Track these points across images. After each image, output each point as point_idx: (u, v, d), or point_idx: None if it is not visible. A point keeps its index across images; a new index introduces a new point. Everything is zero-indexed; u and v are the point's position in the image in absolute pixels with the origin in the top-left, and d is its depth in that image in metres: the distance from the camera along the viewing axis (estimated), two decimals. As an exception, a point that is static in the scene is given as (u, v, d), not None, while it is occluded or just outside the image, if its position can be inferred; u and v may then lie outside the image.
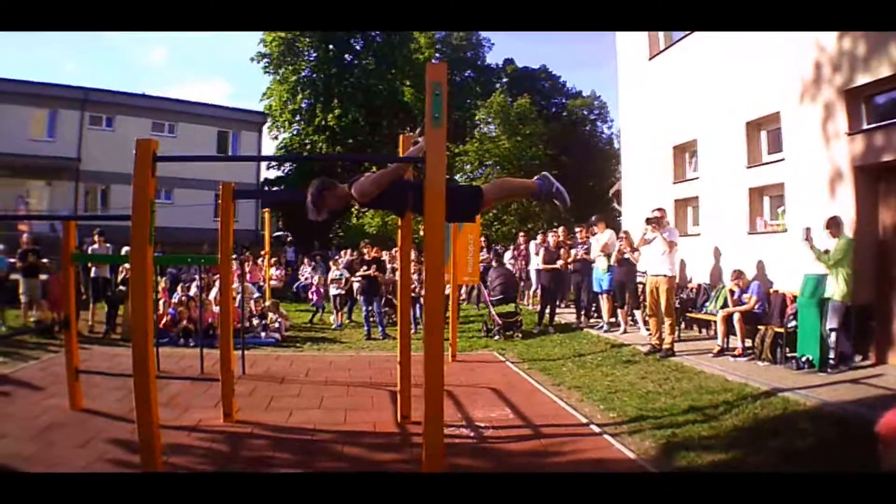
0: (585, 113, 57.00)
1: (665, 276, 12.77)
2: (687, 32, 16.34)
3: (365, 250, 17.51)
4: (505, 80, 57.88)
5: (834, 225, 10.83)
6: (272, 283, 22.59)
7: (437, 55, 53.82)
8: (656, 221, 13.01)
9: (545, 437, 7.88)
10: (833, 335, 10.46)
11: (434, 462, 5.27)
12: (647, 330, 14.21)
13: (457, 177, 46.87)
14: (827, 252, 10.77)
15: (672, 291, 12.95)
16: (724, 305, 13.01)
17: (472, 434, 8.04)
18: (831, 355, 10.46)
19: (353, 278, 18.40)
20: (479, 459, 7.12)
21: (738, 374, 10.51)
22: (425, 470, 5.33)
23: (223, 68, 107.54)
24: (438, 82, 5.16)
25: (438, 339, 5.38)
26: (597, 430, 8.12)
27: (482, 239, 21.91)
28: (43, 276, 15.99)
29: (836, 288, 10.57)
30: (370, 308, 16.76)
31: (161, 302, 15.60)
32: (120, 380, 8.92)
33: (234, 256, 15.20)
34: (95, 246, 16.90)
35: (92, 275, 16.60)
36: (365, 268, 16.85)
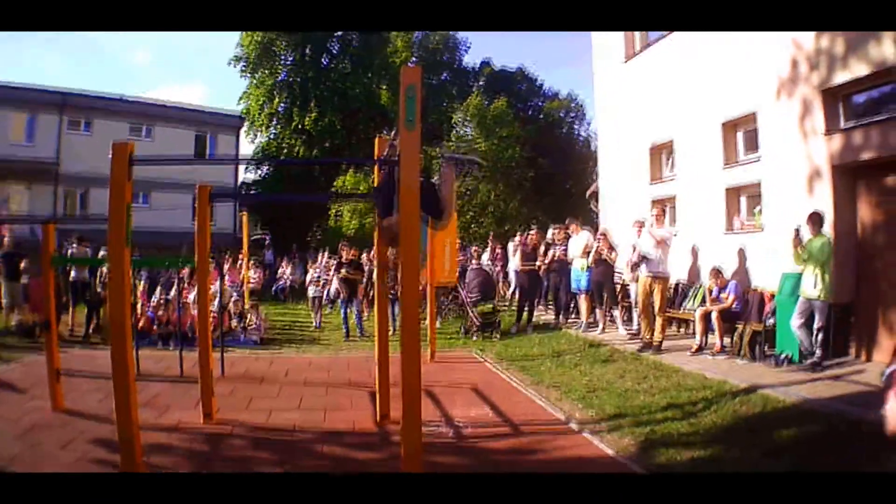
0: (562, 115, 56.88)
1: (658, 275, 13.01)
2: (662, 34, 16.43)
3: (343, 252, 17.45)
4: (481, 81, 57.69)
5: (815, 221, 10.75)
6: (251, 284, 22.53)
7: (414, 58, 53.63)
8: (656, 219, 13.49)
9: (525, 436, 7.94)
10: (822, 334, 10.47)
11: (412, 460, 5.30)
12: (627, 329, 14.56)
13: (434, 179, 46.70)
14: (808, 252, 10.69)
15: (665, 290, 13.13)
16: (703, 303, 13.09)
17: (451, 433, 8.08)
18: (818, 353, 10.48)
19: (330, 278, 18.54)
20: (458, 457, 7.16)
21: (716, 371, 10.57)
22: (404, 468, 5.36)
23: (201, 70, 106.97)
24: (412, 85, 5.19)
25: (415, 339, 5.41)
26: (576, 428, 8.18)
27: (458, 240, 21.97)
28: (24, 280, 15.92)
29: (820, 287, 10.48)
30: (349, 309, 16.74)
31: (139, 304, 15.59)
32: (101, 381, 8.94)
33: (211, 258, 15.21)
34: (74, 249, 16.85)
35: (71, 277, 16.52)
36: (345, 269, 16.79)
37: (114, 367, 5.84)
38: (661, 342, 12.82)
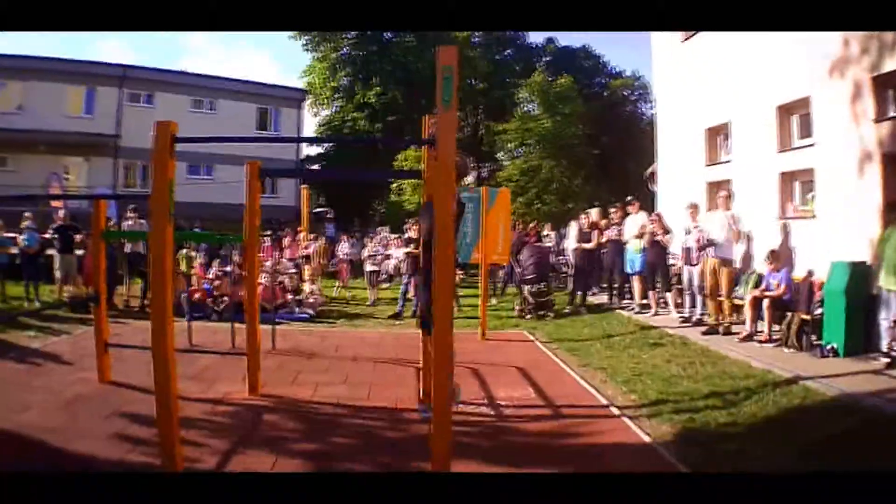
0: (626, 93, 56.23)
1: (725, 259, 13.00)
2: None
3: (412, 229, 17.54)
4: (546, 59, 57.25)
5: None
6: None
7: (478, 34, 53.36)
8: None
9: (564, 418, 7.97)
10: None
11: (440, 441, 5.30)
12: (679, 312, 14.57)
13: (498, 155, 46.86)
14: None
15: (731, 274, 13.06)
16: (756, 289, 12.93)
17: (491, 413, 8.12)
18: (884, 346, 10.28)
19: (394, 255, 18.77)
20: (493, 439, 7.19)
21: (762, 360, 10.48)
22: (433, 447, 5.38)
23: (264, 43, 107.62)
24: (449, 66, 5.18)
25: (447, 322, 5.38)
26: (616, 412, 8.17)
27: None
28: (79, 252, 16.18)
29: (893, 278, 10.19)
30: (409, 286, 16.62)
31: (195, 277, 15.81)
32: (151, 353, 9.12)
33: (268, 233, 15.33)
34: (130, 222, 17.09)
35: (126, 250, 16.78)
36: (413, 246, 16.79)
37: (153, 338, 5.96)
38: (727, 325, 12.80)
